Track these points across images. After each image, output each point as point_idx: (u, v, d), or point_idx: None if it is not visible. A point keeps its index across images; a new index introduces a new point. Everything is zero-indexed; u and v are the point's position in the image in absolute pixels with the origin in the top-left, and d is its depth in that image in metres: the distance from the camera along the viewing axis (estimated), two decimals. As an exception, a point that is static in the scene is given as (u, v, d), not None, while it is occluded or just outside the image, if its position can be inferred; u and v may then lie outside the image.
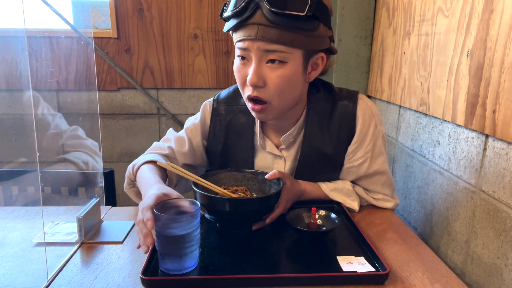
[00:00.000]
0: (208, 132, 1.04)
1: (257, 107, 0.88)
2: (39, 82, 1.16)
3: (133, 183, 0.98)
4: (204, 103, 1.06)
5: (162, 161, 0.92)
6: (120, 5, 2.00)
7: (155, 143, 1.05)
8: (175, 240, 0.69)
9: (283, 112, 0.92)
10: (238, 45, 0.86)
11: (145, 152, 1.02)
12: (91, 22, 1.99)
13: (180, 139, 1.03)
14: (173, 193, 0.77)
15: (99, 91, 2.11)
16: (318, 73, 0.92)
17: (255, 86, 0.85)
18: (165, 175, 0.96)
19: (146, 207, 0.71)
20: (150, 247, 0.72)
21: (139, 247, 0.73)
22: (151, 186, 0.81)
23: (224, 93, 1.06)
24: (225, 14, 0.85)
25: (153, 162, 0.93)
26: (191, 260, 0.72)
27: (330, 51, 0.93)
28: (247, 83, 0.85)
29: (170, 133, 1.07)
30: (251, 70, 0.84)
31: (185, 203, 0.75)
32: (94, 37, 2.00)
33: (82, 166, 1.28)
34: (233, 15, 0.83)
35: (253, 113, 0.92)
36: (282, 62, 0.83)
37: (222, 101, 1.04)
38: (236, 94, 1.04)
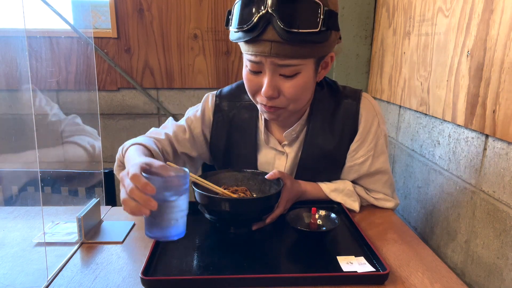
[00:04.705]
0: (211, 128, 1.04)
1: (271, 110, 0.89)
2: (39, 82, 1.16)
3: (122, 164, 0.95)
4: (206, 95, 1.06)
5: (152, 146, 0.90)
6: (120, 5, 2.00)
7: (152, 129, 1.04)
8: (164, 205, 0.66)
9: (296, 113, 0.93)
10: (249, 57, 0.84)
11: (140, 136, 1.00)
12: (91, 22, 1.99)
13: (180, 127, 1.03)
14: (156, 162, 0.73)
15: (99, 91, 2.11)
16: (327, 71, 0.93)
17: (270, 98, 0.86)
18: (151, 156, 0.92)
19: (134, 174, 0.65)
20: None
21: (134, 213, 0.65)
22: (134, 160, 0.76)
23: (226, 89, 1.06)
24: (233, 29, 0.83)
25: (141, 144, 0.90)
26: (179, 227, 0.69)
27: None
28: (262, 95, 0.86)
29: (170, 121, 1.06)
30: (265, 83, 0.84)
31: (170, 173, 0.72)
32: (94, 37, 2.00)
33: (89, 148, 1.30)
34: (243, 32, 0.81)
35: (265, 114, 0.93)
36: (296, 73, 0.84)
37: (225, 97, 1.04)
38: (240, 90, 1.04)
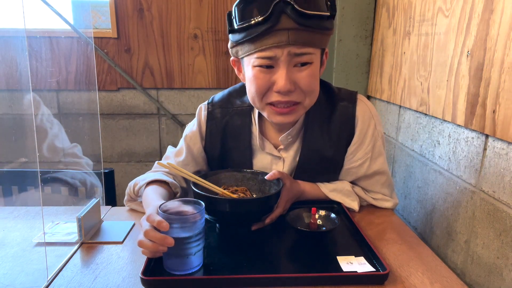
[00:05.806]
0: (205, 135, 1.04)
1: (286, 109, 0.88)
2: (39, 82, 1.16)
3: (132, 199, 1.00)
4: (199, 106, 1.06)
5: (165, 178, 0.94)
6: (120, 5, 2.00)
7: (156, 163, 1.05)
8: (180, 241, 0.69)
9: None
10: (261, 54, 0.82)
11: (147, 172, 1.02)
12: (91, 22, 1.99)
13: (179, 152, 1.04)
14: (171, 201, 0.77)
15: (99, 91, 2.11)
16: (324, 68, 0.93)
17: (287, 92, 0.84)
18: (171, 193, 0.97)
19: (150, 214, 0.70)
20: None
21: (150, 255, 0.71)
22: (152, 202, 0.81)
23: (218, 96, 1.06)
24: (242, 26, 0.80)
25: (155, 181, 0.94)
26: (197, 260, 0.72)
27: None
28: (280, 90, 0.84)
29: (169, 150, 1.07)
30: (281, 77, 0.83)
31: (187, 207, 0.75)
32: (94, 37, 2.00)
33: (80, 186, 1.27)
34: (254, 26, 0.79)
35: (277, 117, 0.90)
36: (309, 62, 0.84)
37: (217, 104, 1.04)
38: (231, 96, 1.04)
